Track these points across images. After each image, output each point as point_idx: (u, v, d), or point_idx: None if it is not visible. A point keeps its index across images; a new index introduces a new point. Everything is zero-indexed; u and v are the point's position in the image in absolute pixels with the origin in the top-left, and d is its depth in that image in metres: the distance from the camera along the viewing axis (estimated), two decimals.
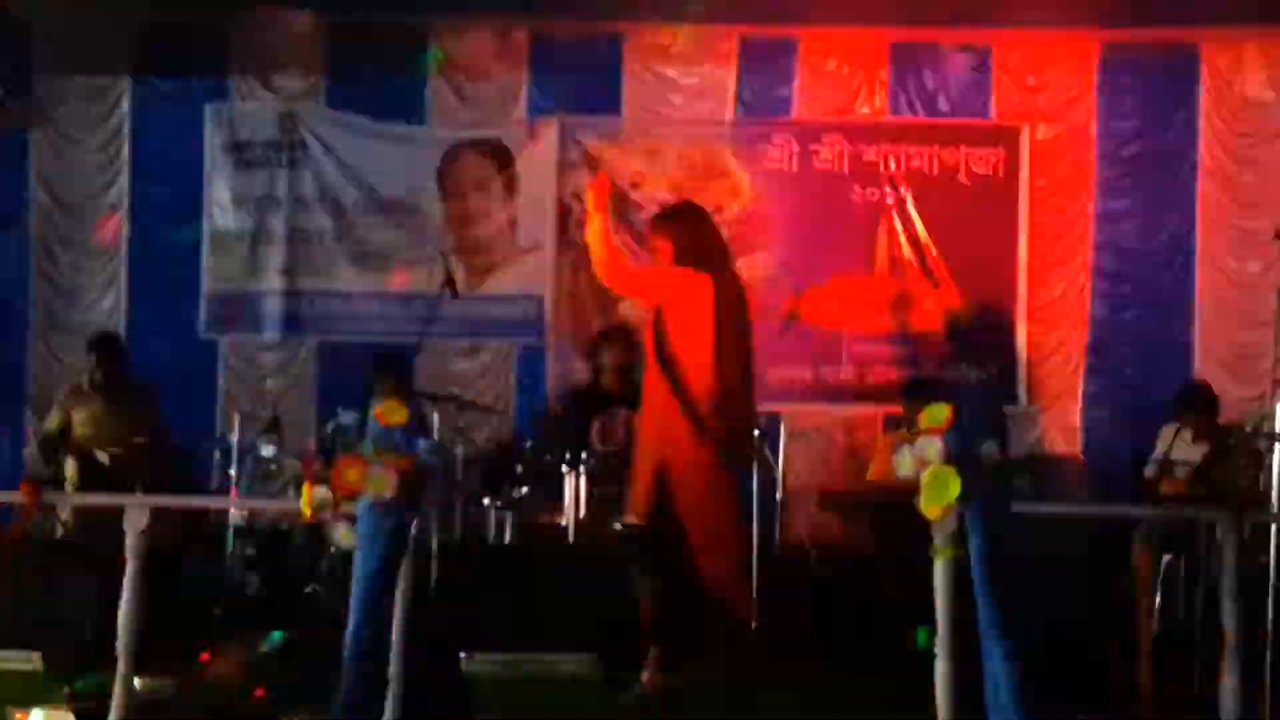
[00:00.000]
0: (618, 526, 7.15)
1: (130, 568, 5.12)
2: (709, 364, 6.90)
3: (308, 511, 5.20)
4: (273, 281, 11.26)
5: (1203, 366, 11.04)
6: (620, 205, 11.26)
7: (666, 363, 6.92)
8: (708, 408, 6.83)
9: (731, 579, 6.97)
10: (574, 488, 8.76)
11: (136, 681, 5.40)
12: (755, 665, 7.98)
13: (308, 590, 9.16)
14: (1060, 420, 11.15)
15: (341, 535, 5.14)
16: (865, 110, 11.39)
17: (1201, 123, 11.22)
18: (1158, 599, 8.19)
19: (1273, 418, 6.94)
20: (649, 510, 6.88)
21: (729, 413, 6.91)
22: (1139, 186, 11.27)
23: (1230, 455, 8.49)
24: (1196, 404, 9.42)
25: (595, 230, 7.00)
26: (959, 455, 4.89)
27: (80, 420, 9.46)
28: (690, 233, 7.16)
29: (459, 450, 9.41)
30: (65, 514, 8.63)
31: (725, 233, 11.01)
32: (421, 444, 5.13)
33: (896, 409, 10.35)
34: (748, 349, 7.16)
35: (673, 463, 6.84)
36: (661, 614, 6.90)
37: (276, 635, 6.89)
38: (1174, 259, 11.22)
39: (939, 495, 4.92)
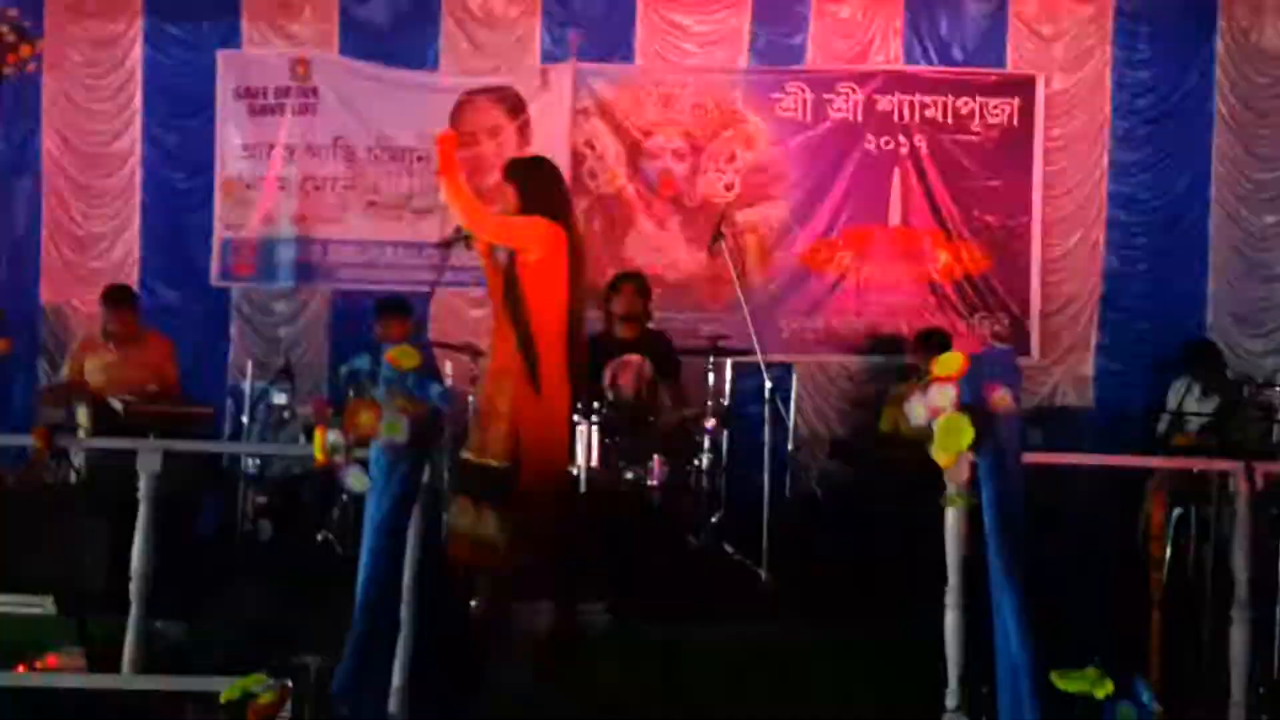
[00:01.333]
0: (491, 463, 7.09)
1: (143, 511, 5.13)
2: (563, 311, 7.00)
3: (320, 456, 5.20)
4: (285, 229, 11.25)
5: (1216, 319, 11.04)
6: (633, 153, 11.25)
7: (519, 308, 6.99)
8: (560, 353, 6.94)
9: (553, 522, 7.00)
10: (586, 436, 8.74)
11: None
12: (764, 616, 8.03)
13: (320, 537, 9.20)
14: (1073, 372, 11.13)
15: (354, 480, 5.14)
16: (880, 59, 11.32)
17: (1219, 74, 11.17)
18: (1169, 551, 8.19)
19: None
20: (510, 450, 6.90)
21: (575, 358, 7.04)
22: (1154, 138, 11.23)
23: (1241, 408, 8.51)
24: (1204, 359, 9.47)
25: (448, 189, 7.04)
26: (971, 404, 4.89)
27: (93, 369, 9.49)
28: (541, 183, 7.22)
29: (471, 399, 9.42)
30: (78, 459, 8.64)
31: (738, 181, 11.14)
32: (434, 389, 5.13)
33: (909, 358, 10.37)
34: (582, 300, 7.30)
35: (522, 407, 6.89)
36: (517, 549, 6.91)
37: None
38: (1189, 211, 11.18)
39: (951, 443, 4.91)
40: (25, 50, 10.90)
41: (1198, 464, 8.07)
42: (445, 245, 8.61)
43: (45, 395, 9.88)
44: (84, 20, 11.35)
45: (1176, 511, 8.53)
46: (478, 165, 11.26)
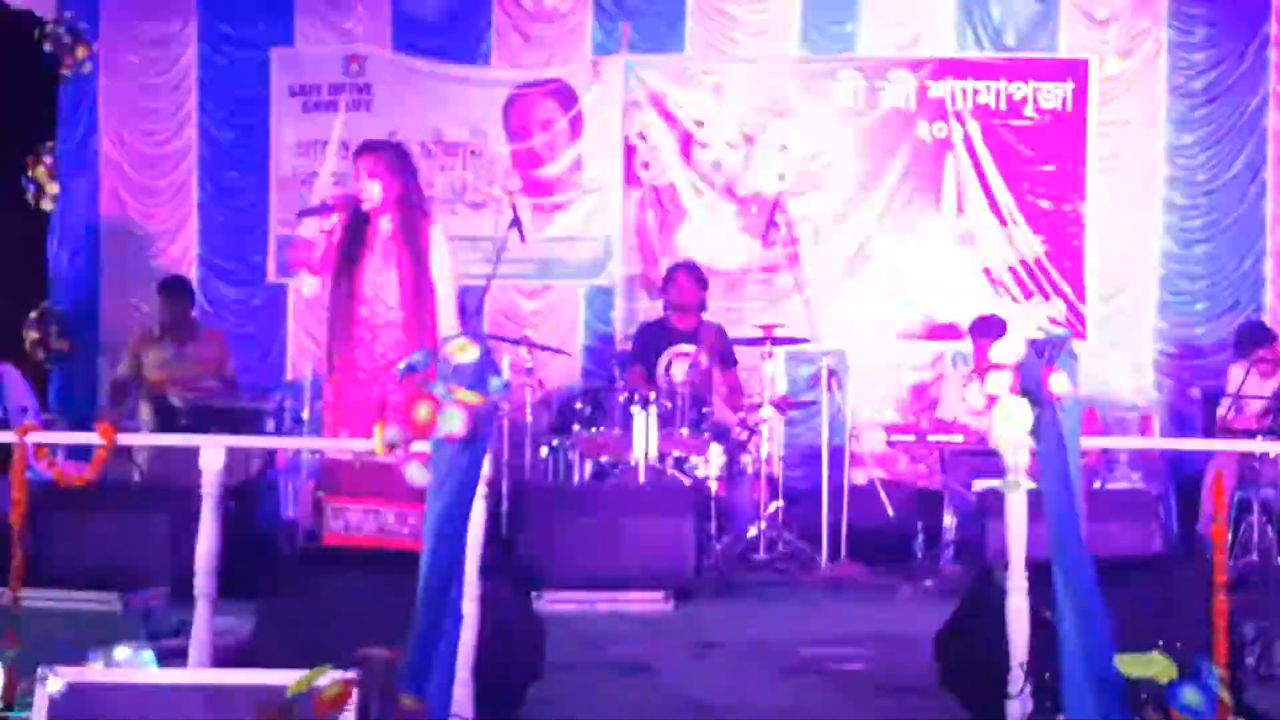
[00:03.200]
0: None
1: (206, 508, 5.15)
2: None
3: (380, 450, 5.22)
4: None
5: (1275, 300, 10.96)
6: (685, 144, 11.26)
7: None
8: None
9: None
10: (644, 426, 8.76)
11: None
12: (820, 605, 8.04)
13: None
14: (1131, 357, 11.06)
15: (413, 474, 5.15)
16: (931, 46, 11.28)
17: (1273, 54, 11.08)
18: (1231, 532, 8.16)
19: None
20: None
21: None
22: (1209, 120, 11.14)
23: None
24: (1260, 341, 9.44)
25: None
26: (1029, 389, 4.87)
27: (151, 364, 9.56)
28: (410, 176, 7.11)
29: (529, 392, 9.46)
30: (141, 456, 8.73)
31: (791, 171, 11.12)
32: (492, 381, 5.14)
33: (965, 345, 10.35)
34: None
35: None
36: None
37: None
38: (1245, 192, 11.09)
39: (1010, 429, 4.89)
40: (81, 52, 11.02)
41: (1258, 446, 8.07)
42: (515, 225, 8.69)
43: (108, 392, 9.97)
44: (139, 21, 11.45)
45: (1238, 495, 8.52)
46: (531, 158, 11.31)
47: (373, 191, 6.91)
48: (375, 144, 7.41)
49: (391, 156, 7.11)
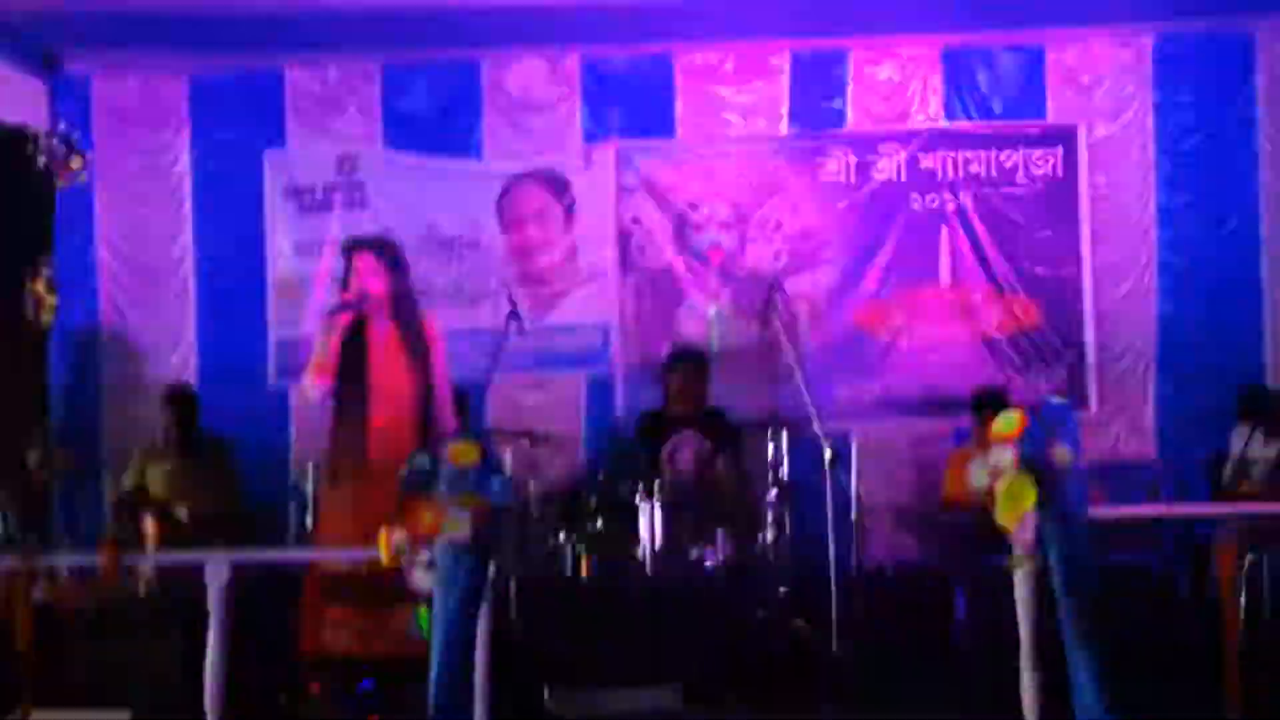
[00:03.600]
0: None
1: (214, 623, 5.15)
2: None
3: (386, 557, 5.23)
4: None
5: (1274, 359, 10.94)
6: (679, 226, 11.28)
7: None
8: None
9: None
10: (649, 517, 8.73)
11: None
12: (835, 691, 7.99)
13: None
14: (1133, 423, 11.03)
15: (420, 579, 5.16)
16: (920, 118, 11.33)
17: (1260, 111, 11.11)
18: (1242, 599, 8.12)
19: None
20: None
21: None
22: (1200, 179, 11.14)
23: None
24: (1262, 404, 9.45)
25: None
26: (1032, 463, 4.87)
27: (156, 477, 9.55)
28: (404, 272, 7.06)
29: (532, 487, 9.44)
30: (147, 573, 8.70)
31: (786, 249, 11.16)
32: (495, 483, 5.15)
33: (967, 419, 10.33)
34: None
35: None
36: None
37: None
38: (1240, 252, 11.09)
39: (1015, 505, 4.90)
40: (76, 162, 11.05)
41: (1265, 509, 8.04)
42: (513, 317, 8.65)
43: (113, 509, 9.96)
44: (131, 129, 11.47)
45: (1248, 559, 8.48)
46: (526, 249, 11.33)
47: (372, 288, 6.85)
48: (368, 239, 7.32)
49: (388, 252, 7.06)
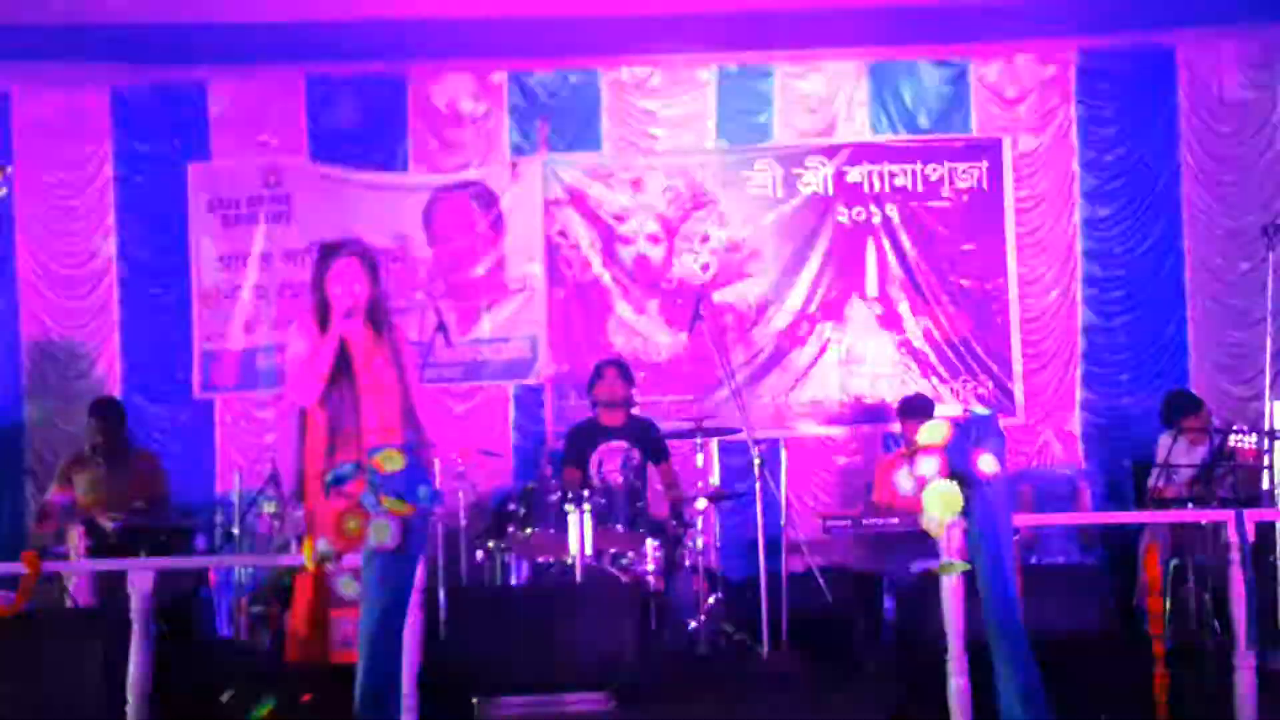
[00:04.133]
0: None
1: (137, 631, 5.10)
2: None
3: (310, 564, 5.19)
4: (264, 336, 11.26)
5: (1197, 368, 11.06)
6: (607, 239, 11.29)
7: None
8: None
9: None
10: (579, 525, 8.72)
11: None
12: (764, 696, 7.99)
13: None
14: (1059, 430, 11.13)
15: (345, 587, 5.12)
16: (846, 131, 11.39)
17: (1182, 125, 11.25)
18: (1168, 602, 8.20)
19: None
20: None
21: None
22: (1123, 192, 11.28)
23: (1230, 456, 8.53)
24: (1185, 410, 9.56)
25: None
26: (958, 470, 4.89)
27: (82, 487, 9.47)
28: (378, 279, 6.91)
29: (461, 496, 9.40)
30: (71, 582, 8.62)
31: (714, 261, 11.19)
32: (421, 490, 5.11)
33: (894, 427, 10.39)
34: None
35: None
36: None
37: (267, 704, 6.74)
38: (1163, 262, 11.22)
39: (941, 512, 4.91)
40: None
41: (1190, 516, 8.11)
42: (441, 329, 8.57)
43: (37, 518, 9.86)
44: (53, 142, 11.37)
45: (1173, 563, 8.56)
46: (454, 261, 11.31)
47: (355, 293, 6.64)
48: (348, 242, 7.04)
49: (368, 256, 6.84)
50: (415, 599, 5.11)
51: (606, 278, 11.33)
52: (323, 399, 6.50)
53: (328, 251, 6.67)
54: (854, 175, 11.31)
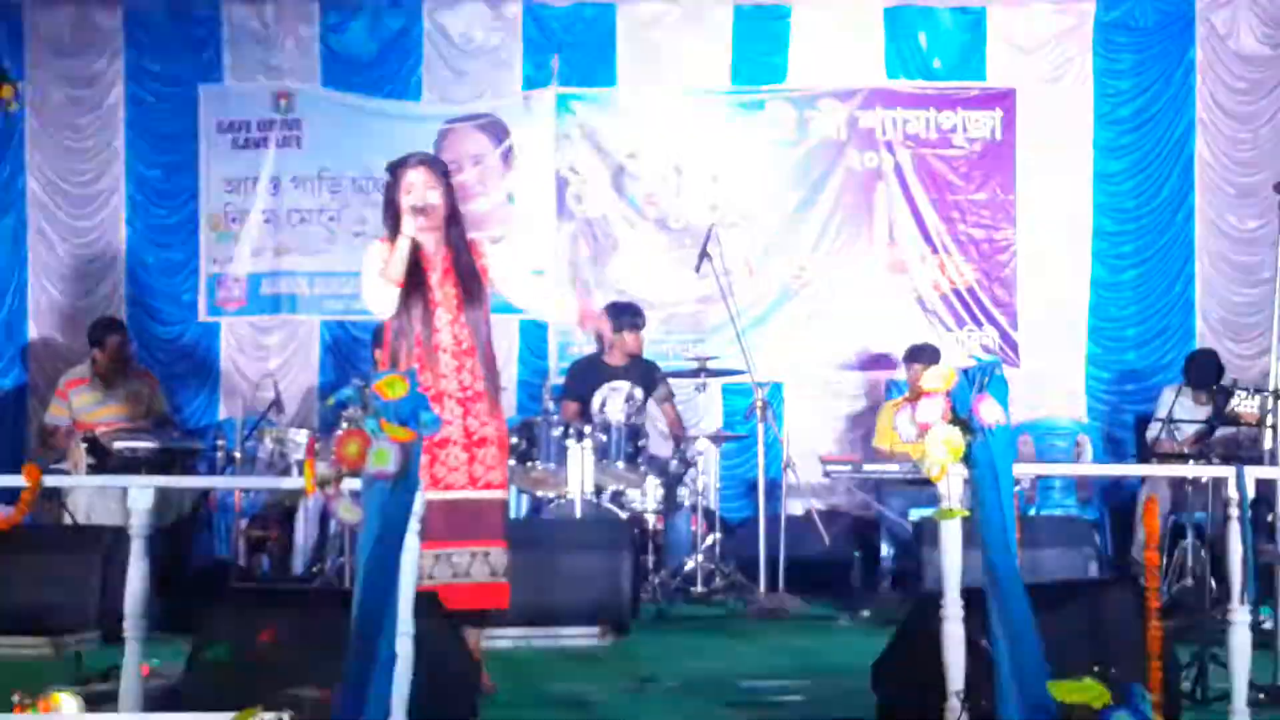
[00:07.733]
0: None
1: (135, 548, 5.09)
2: None
3: (311, 488, 5.18)
4: (271, 261, 11.25)
5: (1204, 325, 11.04)
6: (617, 176, 11.26)
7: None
8: None
9: None
10: (580, 460, 8.73)
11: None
12: (756, 635, 8.02)
13: (314, 569, 9.20)
14: (1063, 383, 11.11)
15: (344, 511, 5.10)
16: (861, 76, 11.33)
17: (1197, 80, 11.20)
18: (1164, 557, 8.20)
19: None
20: None
21: None
22: (1137, 146, 11.24)
23: (1233, 420, 8.52)
24: (1204, 371, 9.49)
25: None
26: (960, 417, 4.87)
27: (82, 405, 9.48)
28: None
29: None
30: (71, 498, 8.65)
31: (723, 201, 11.15)
32: (424, 416, 5.10)
33: (899, 373, 10.40)
34: None
35: None
36: None
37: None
38: (1173, 218, 11.19)
39: (942, 458, 4.89)
40: (6, 91, 10.88)
41: (1190, 471, 8.10)
42: None
43: (40, 437, 9.88)
44: (65, 59, 11.33)
45: (1171, 519, 8.57)
46: (463, 193, 11.26)
47: (435, 202, 6.41)
48: (417, 154, 6.77)
49: (438, 166, 6.62)
50: (413, 527, 5.09)
51: (614, 214, 11.30)
52: (400, 309, 6.29)
53: (395, 165, 6.45)
54: (867, 120, 11.27)
